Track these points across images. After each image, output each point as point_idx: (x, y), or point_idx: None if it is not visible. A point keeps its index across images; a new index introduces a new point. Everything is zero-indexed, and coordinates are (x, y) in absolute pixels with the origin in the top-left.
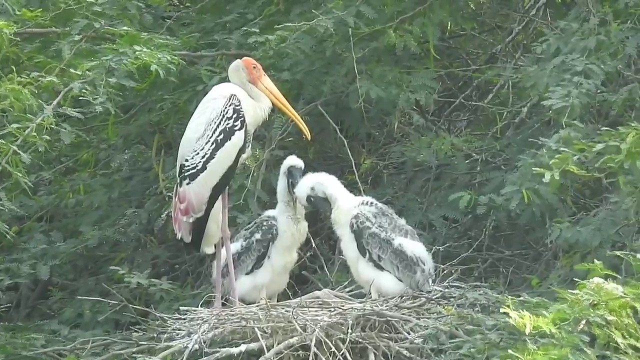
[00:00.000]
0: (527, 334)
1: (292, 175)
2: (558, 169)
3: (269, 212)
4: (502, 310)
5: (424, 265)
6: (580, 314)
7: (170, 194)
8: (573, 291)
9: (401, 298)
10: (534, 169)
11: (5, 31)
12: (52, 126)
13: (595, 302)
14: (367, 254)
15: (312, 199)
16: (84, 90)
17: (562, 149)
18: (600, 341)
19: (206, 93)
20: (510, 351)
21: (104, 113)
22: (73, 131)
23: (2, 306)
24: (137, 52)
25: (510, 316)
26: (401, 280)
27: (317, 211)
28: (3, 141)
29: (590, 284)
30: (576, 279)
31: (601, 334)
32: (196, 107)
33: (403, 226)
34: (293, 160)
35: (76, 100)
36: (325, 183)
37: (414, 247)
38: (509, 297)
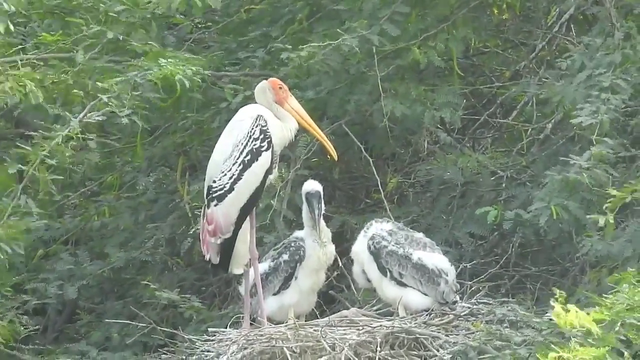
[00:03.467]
0: (572, 329)
1: (309, 202)
2: (612, 211)
3: (298, 233)
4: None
5: (447, 275)
6: (617, 316)
7: (199, 212)
8: (607, 296)
9: (429, 315)
10: (588, 216)
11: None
12: (79, 136)
13: (631, 306)
14: (388, 273)
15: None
16: (110, 103)
17: (596, 169)
18: (635, 344)
19: (230, 111)
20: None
21: (130, 127)
22: (99, 141)
23: (29, 329)
24: (162, 65)
25: (555, 311)
26: (426, 294)
27: (344, 232)
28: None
29: (624, 288)
30: (604, 295)
31: (636, 337)
32: (220, 126)
33: (421, 239)
34: (310, 186)
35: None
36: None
37: (434, 259)
38: (537, 313)
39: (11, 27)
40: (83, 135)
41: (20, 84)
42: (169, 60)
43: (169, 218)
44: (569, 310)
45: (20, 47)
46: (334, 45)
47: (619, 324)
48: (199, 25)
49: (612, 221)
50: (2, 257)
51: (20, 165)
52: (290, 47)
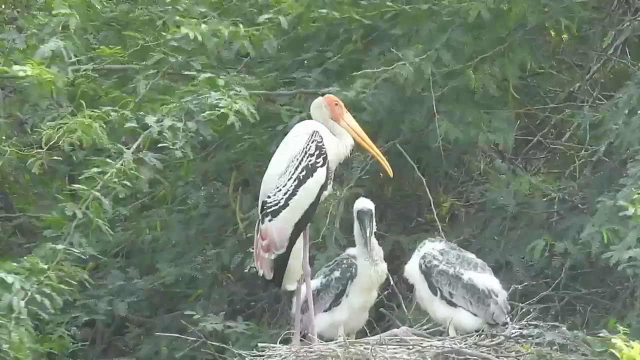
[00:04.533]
0: None
1: (361, 220)
2: None
3: (350, 251)
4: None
5: (497, 296)
6: None
7: (251, 232)
8: None
9: (480, 336)
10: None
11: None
12: (132, 172)
13: None
14: (439, 292)
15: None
16: (163, 135)
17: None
18: None
19: (285, 133)
20: None
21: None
22: (151, 175)
23: (78, 344)
24: (215, 102)
25: (616, 346)
26: (476, 315)
27: (396, 250)
28: (84, 187)
29: None
30: None
31: None
32: (277, 145)
33: (472, 259)
34: (362, 204)
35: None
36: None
37: (485, 280)
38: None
39: (70, 74)
40: (135, 172)
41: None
42: (223, 96)
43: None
44: (632, 347)
45: (76, 58)
46: (389, 74)
47: None
48: None
49: None
50: (51, 308)
51: (72, 208)
52: (344, 74)
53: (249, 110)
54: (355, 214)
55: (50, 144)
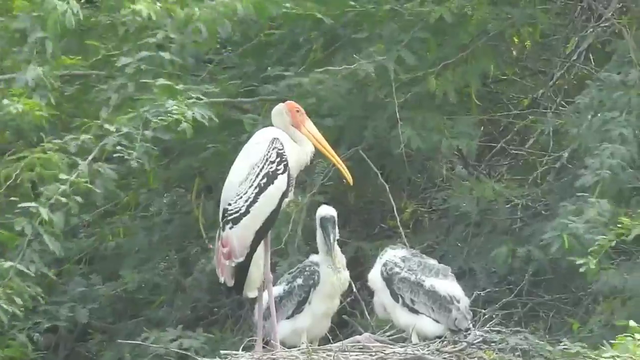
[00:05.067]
0: None
1: (324, 227)
2: (597, 256)
3: (313, 258)
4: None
5: (459, 303)
6: None
7: (212, 237)
8: (607, 354)
9: (442, 342)
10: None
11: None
12: (87, 184)
13: None
14: (400, 299)
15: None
16: (119, 147)
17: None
18: None
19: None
20: None
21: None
22: (109, 185)
23: (40, 352)
24: (170, 108)
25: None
26: (438, 321)
27: (359, 257)
28: (34, 205)
29: (628, 342)
30: (617, 323)
31: None
32: (239, 152)
33: (434, 266)
34: (324, 211)
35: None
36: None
37: (447, 286)
38: (550, 342)
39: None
40: (90, 185)
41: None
42: (177, 101)
43: (188, 247)
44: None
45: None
46: (350, 71)
47: None
48: (218, 47)
49: (593, 267)
50: (3, 319)
51: (20, 223)
52: (292, 74)
53: (205, 116)
54: (318, 221)
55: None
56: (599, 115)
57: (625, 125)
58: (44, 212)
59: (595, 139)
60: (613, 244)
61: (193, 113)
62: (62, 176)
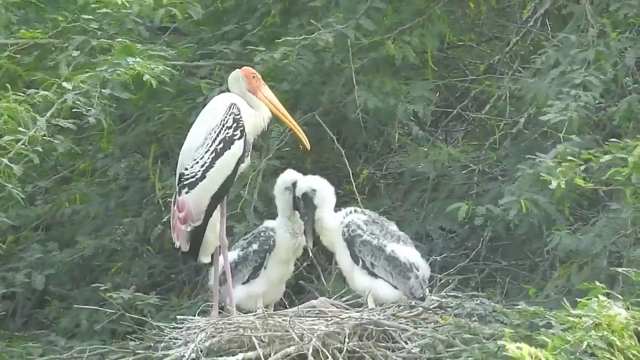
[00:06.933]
0: None
1: (305, 201)
2: (565, 177)
3: (268, 223)
4: (499, 342)
5: (418, 270)
6: (581, 338)
7: (169, 200)
8: (574, 312)
9: (399, 307)
10: (542, 174)
11: None
12: (46, 138)
13: (597, 323)
14: (361, 262)
15: (301, 199)
16: (77, 102)
17: (567, 159)
18: None
19: (205, 105)
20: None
21: (98, 125)
22: (67, 143)
23: None
24: (130, 63)
25: (507, 349)
26: (396, 287)
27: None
28: None
29: (592, 303)
30: (574, 289)
31: (603, 356)
32: (196, 117)
33: (395, 232)
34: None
35: (71, 112)
36: (323, 192)
37: (407, 253)
38: (506, 307)
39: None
40: (49, 138)
41: None
42: (137, 58)
43: (144, 212)
44: (521, 348)
45: None
46: (310, 41)
47: (584, 345)
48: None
49: (564, 186)
50: None
51: None
52: (263, 46)
53: (166, 71)
54: (289, 185)
55: None
56: (558, 69)
57: (587, 75)
58: (5, 160)
59: (554, 92)
60: (582, 168)
61: (154, 68)
62: (22, 129)
